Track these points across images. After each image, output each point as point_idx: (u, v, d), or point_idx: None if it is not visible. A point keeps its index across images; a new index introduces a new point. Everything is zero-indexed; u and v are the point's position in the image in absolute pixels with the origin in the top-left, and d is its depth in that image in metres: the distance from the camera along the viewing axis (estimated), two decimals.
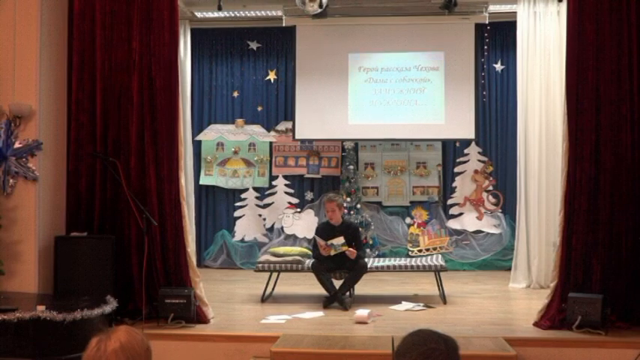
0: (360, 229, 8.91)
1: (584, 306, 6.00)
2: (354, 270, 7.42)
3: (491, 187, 10.27)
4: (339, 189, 10.17)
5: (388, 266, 7.82)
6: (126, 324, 6.17)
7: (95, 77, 6.70)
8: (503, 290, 8.39)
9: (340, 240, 7.37)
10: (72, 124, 6.74)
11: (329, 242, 7.37)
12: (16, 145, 6.41)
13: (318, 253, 7.52)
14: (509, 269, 8.88)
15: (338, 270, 7.52)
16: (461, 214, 10.28)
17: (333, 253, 7.39)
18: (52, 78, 6.69)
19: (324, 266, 7.44)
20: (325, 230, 7.65)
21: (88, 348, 2.41)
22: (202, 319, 6.43)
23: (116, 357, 2.37)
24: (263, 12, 9.79)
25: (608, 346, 5.76)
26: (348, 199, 9.92)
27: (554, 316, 6.21)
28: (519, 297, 8.02)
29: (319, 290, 7.53)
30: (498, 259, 9.95)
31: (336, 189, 10.21)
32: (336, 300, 7.26)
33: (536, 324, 6.29)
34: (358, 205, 10.11)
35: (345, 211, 8.83)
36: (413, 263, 7.89)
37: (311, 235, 8.35)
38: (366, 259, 7.70)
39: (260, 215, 10.45)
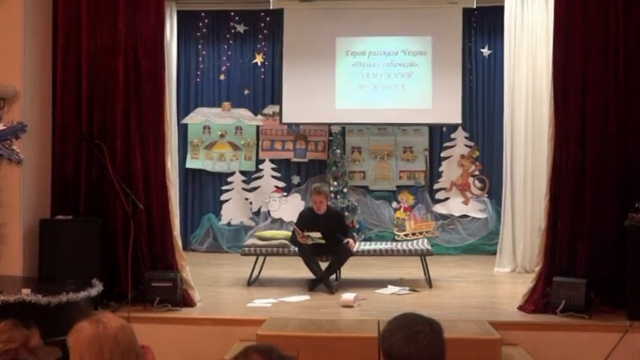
0: (347, 213, 8.95)
1: (569, 290, 6.05)
2: (339, 253, 7.44)
3: (477, 172, 10.29)
4: (325, 173, 10.16)
5: (374, 250, 7.84)
6: (112, 307, 6.19)
7: (81, 59, 6.64)
8: (489, 274, 8.44)
9: (317, 234, 7.41)
10: (57, 106, 6.69)
11: (306, 233, 7.40)
12: (0, 127, 6.35)
13: (295, 240, 7.56)
14: (495, 253, 8.92)
15: (325, 253, 7.53)
16: (447, 198, 10.30)
17: (310, 242, 7.43)
18: (37, 59, 6.62)
19: (310, 249, 7.45)
20: (308, 219, 7.66)
21: (85, 329, 2.39)
22: (188, 302, 6.43)
23: (123, 334, 2.39)
24: None
25: (591, 330, 5.82)
26: (335, 183, 9.91)
27: (539, 300, 6.26)
28: (504, 281, 8.07)
29: (305, 274, 7.55)
30: (484, 244, 9.99)
31: (322, 173, 10.21)
32: (322, 283, 7.28)
33: (520, 308, 6.34)
34: (345, 190, 10.11)
35: (332, 195, 8.83)
36: (399, 247, 7.91)
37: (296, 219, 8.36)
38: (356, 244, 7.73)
39: (246, 199, 10.44)
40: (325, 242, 7.41)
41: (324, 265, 7.49)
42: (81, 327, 2.42)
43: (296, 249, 7.61)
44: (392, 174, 10.42)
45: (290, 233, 8.12)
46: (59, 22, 6.66)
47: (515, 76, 8.58)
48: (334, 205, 9.37)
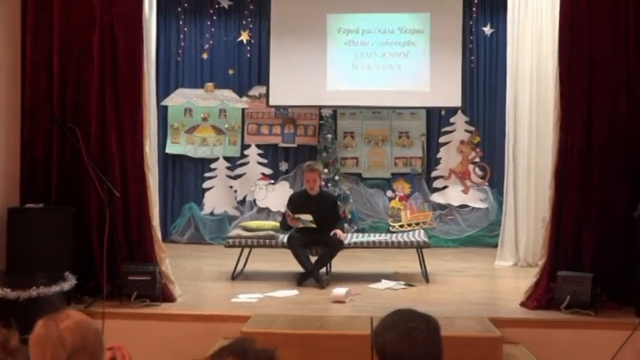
0: (338, 202, 8.93)
1: (574, 285, 6.08)
2: (330, 245, 7.45)
3: (477, 159, 10.31)
4: (315, 159, 10.16)
5: (368, 242, 7.85)
6: (86, 302, 6.18)
7: (52, 35, 6.60)
8: (489, 268, 8.47)
9: (309, 217, 7.44)
10: (26, 86, 6.65)
11: (297, 216, 7.43)
12: None
13: (285, 224, 7.60)
14: (496, 246, 8.95)
15: (315, 245, 7.55)
16: (445, 187, 10.32)
17: (300, 225, 7.46)
18: (4, 36, 6.57)
19: (300, 240, 7.47)
20: (300, 200, 7.67)
21: (36, 328, 2.40)
22: (168, 297, 6.43)
23: (71, 334, 2.37)
24: None
25: (597, 327, 5.85)
26: (326, 171, 9.91)
27: (542, 295, 6.28)
28: (506, 275, 8.11)
29: (293, 267, 7.56)
30: (484, 236, 10.03)
31: (312, 159, 10.20)
32: (311, 277, 7.29)
33: (523, 304, 6.37)
34: (336, 177, 10.12)
35: (323, 183, 8.83)
36: (394, 239, 7.93)
37: (285, 208, 8.36)
38: (345, 234, 7.75)
39: (231, 187, 10.43)
40: (316, 227, 7.43)
41: (313, 259, 7.50)
42: (36, 326, 2.43)
43: (284, 240, 7.62)
44: (387, 161, 10.42)
45: (278, 224, 8.13)
46: (28, 1, 6.62)
47: (519, 57, 8.58)
48: None
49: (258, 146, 10.47)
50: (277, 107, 10.29)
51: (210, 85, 10.50)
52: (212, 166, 10.46)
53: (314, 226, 7.46)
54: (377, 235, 8.44)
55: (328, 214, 7.60)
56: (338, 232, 7.53)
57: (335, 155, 10.21)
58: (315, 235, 7.52)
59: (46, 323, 2.41)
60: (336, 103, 10.06)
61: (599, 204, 6.25)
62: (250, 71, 10.51)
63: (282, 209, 9.26)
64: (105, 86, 6.52)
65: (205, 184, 10.45)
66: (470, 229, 10.11)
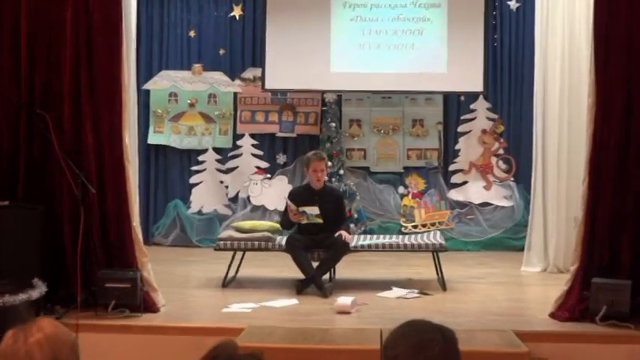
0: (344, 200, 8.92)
1: (610, 294, 6.07)
2: (334, 248, 7.45)
3: (501, 151, 10.31)
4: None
5: (376, 245, 7.85)
6: (57, 313, 6.19)
7: (19, 10, 6.58)
8: (515, 275, 8.47)
9: (315, 210, 7.42)
10: None
11: (301, 209, 7.42)
12: None
13: (287, 220, 7.60)
14: (522, 249, 8.95)
15: (317, 248, 7.54)
16: (465, 182, 10.33)
17: (304, 221, 7.45)
18: None
19: (301, 243, 7.47)
20: (303, 195, 7.67)
21: (3, 340, 2.40)
22: (150, 307, 6.44)
23: (40, 349, 2.37)
24: None
25: (637, 342, 5.85)
26: (330, 164, 9.89)
27: (575, 305, 6.28)
28: (533, 283, 8.11)
29: (293, 273, 7.56)
30: (509, 238, 10.03)
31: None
32: (313, 284, 7.29)
33: (552, 315, 6.37)
34: (341, 171, 10.12)
35: (326, 177, 8.84)
36: (406, 242, 7.94)
37: (283, 206, 8.35)
38: (351, 236, 7.76)
39: (222, 182, 10.43)
40: (323, 223, 7.44)
41: (315, 264, 7.50)
42: (3, 339, 2.43)
43: (282, 242, 7.62)
44: (398, 153, 10.43)
45: (274, 224, 8.13)
46: None
47: (549, 34, 8.57)
48: None
49: (253, 136, 10.47)
50: (274, 92, 10.29)
51: (198, 66, 10.50)
52: (200, 158, 10.47)
53: (320, 221, 7.45)
54: (387, 236, 8.43)
55: (333, 212, 7.59)
56: (343, 233, 7.54)
57: (339, 146, 10.21)
58: (317, 237, 7.52)
59: (15, 336, 2.41)
60: (340, 88, 10.06)
61: (639, 201, 6.25)
62: (244, 51, 10.50)
63: (280, 207, 9.26)
64: (79, 68, 6.52)
65: (192, 179, 10.46)
66: (492, 231, 10.12)
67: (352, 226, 9.31)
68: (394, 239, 8.11)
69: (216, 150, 10.48)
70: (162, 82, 10.50)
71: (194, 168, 10.48)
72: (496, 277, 8.33)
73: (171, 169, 10.53)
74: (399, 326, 2.43)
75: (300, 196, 7.71)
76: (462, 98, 10.34)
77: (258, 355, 2.27)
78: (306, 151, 9.95)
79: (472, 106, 10.34)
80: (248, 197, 10.35)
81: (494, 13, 10.13)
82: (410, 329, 2.40)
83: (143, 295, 6.40)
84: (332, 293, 7.19)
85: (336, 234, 7.51)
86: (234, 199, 10.42)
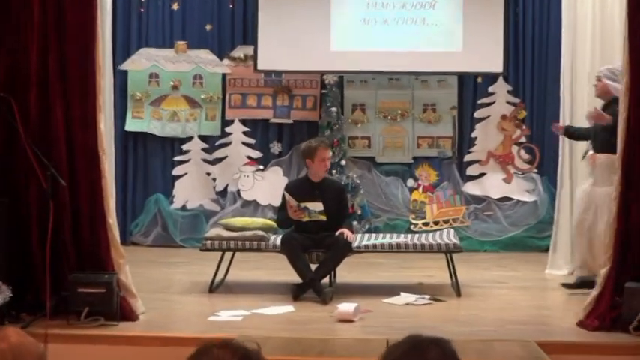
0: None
1: None
2: (335, 248, 7.45)
3: (523, 139, 10.32)
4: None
5: (382, 245, 7.86)
6: (23, 322, 6.19)
7: None
8: (538, 278, 8.48)
9: (318, 206, 7.42)
10: None
11: (303, 205, 7.40)
12: None
13: (284, 217, 7.56)
14: (547, 250, 8.96)
15: (315, 249, 7.54)
16: (482, 175, 10.34)
17: (305, 219, 7.43)
18: None
19: (298, 242, 7.46)
20: (301, 189, 7.64)
21: None
22: (128, 315, 6.44)
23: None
24: None
25: None
26: (330, 154, 9.87)
27: (605, 313, 6.29)
28: (559, 287, 8.10)
29: (289, 277, 7.57)
30: (532, 237, 10.05)
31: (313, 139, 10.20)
32: (311, 289, 7.30)
33: (580, 324, 6.37)
34: (343, 162, 10.13)
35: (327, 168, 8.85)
36: (416, 241, 7.94)
37: (277, 201, 8.35)
38: (354, 235, 7.76)
39: (208, 174, 10.44)
40: (323, 226, 7.45)
41: (313, 267, 7.50)
42: None
43: (276, 242, 7.62)
44: (407, 141, 10.43)
45: (268, 221, 8.12)
46: None
47: (578, 8, 8.56)
48: None
49: (244, 122, 10.47)
50: (268, 72, 10.30)
51: (181, 44, 10.50)
52: (184, 147, 10.47)
53: (324, 218, 7.43)
54: (394, 235, 8.44)
55: (334, 208, 7.58)
56: (345, 231, 7.53)
57: (341, 134, 10.21)
58: (316, 236, 7.51)
59: (19, 333, 2.43)
60: (342, 68, 10.07)
61: None
62: (233, 27, 10.50)
63: (274, 202, 9.26)
64: (48, 46, 6.50)
65: (176, 171, 10.46)
66: (513, 229, 10.13)
67: (355, 223, 9.30)
68: (402, 238, 8.11)
69: (203, 138, 10.48)
70: (142, 61, 10.49)
71: (177, 158, 10.49)
72: (517, 281, 8.33)
73: (151, 160, 10.54)
74: (392, 344, 2.49)
75: (298, 189, 7.68)
76: (479, 80, 10.34)
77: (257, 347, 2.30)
78: (304, 140, 9.95)
79: (490, 89, 10.34)
80: (238, 191, 10.35)
81: None
82: (404, 342, 2.46)
83: (120, 301, 6.40)
84: (332, 299, 7.20)
85: (338, 232, 7.51)
86: (223, 194, 10.43)
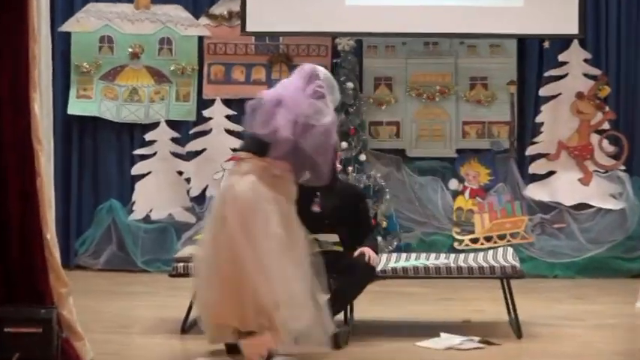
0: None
1: None
2: (352, 274, 7.44)
3: (607, 125, 10.32)
4: None
5: (416, 268, 7.85)
6: None
7: None
8: (627, 314, 8.48)
9: (332, 237, 7.35)
10: None
11: (313, 237, 7.30)
12: None
13: None
14: (639, 276, 8.96)
15: (326, 274, 7.51)
16: (551, 173, 10.36)
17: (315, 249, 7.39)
18: None
19: None
20: (301, 197, 7.59)
21: None
22: None
23: None
24: None
25: None
26: (344, 145, 9.91)
27: None
28: None
29: None
30: (618, 258, 10.06)
31: None
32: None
33: None
34: (362, 156, 10.13)
35: (339, 166, 8.86)
36: (461, 263, 7.93)
37: None
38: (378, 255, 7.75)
39: (180, 173, 10.47)
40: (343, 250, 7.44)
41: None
42: None
43: None
44: (449, 128, 10.46)
45: None
46: None
47: None
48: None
49: (227, 103, 10.50)
50: (260, 35, 10.33)
51: None
52: (148, 136, 10.52)
53: (340, 249, 7.41)
54: (432, 256, 8.43)
55: (351, 219, 7.54)
56: (366, 250, 7.47)
57: (359, 119, 10.23)
58: (327, 256, 7.47)
59: None
60: (360, 29, 10.09)
61: None
62: None
63: None
64: None
65: (136, 169, 10.49)
66: (593, 247, 10.14)
67: (379, 239, 9.29)
68: (442, 260, 8.09)
69: (172, 124, 10.51)
70: (90, 20, 10.52)
71: (138, 152, 10.53)
72: (599, 317, 8.34)
73: (103, 154, 10.57)
74: None
75: (301, 198, 7.54)
76: (547, 45, 10.35)
77: None
78: None
79: (562, 58, 10.36)
80: None
81: None
82: None
83: (61, 344, 6.42)
84: (348, 342, 7.22)
85: (357, 252, 7.46)
86: (200, 199, 10.45)
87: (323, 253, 7.36)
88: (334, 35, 10.25)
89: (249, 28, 10.08)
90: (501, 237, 10.11)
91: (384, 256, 8.12)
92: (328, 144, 6.64)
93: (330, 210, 7.45)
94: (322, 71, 6.90)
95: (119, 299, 8.87)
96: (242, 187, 6.41)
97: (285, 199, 6.58)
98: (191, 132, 10.51)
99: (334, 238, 7.36)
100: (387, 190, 10.17)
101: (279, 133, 6.38)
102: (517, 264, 7.82)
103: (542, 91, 10.40)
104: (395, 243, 9.99)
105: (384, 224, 10.04)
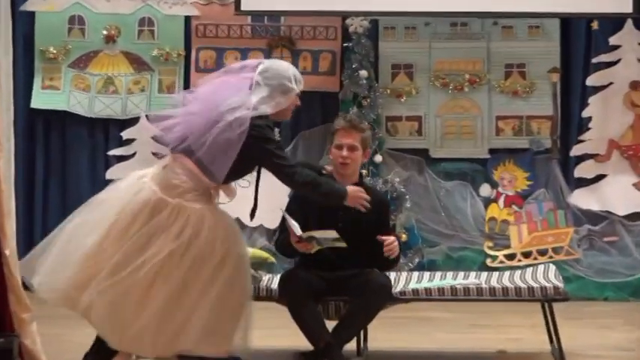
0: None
1: None
2: (365, 294, 7.42)
3: None
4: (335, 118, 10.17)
5: (441, 289, 7.84)
6: None
7: None
8: None
9: (331, 234, 7.31)
10: None
11: (308, 234, 7.30)
12: None
13: (285, 247, 7.46)
14: None
15: (334, 296, 7.50)
16: (601, 177, 10.35)
17: (314, 250, 7.36)
18: None
19: (306, 286, 7.40)
20: (312, 204, 7.57)
21: None
22: None
23: None
24: None
25: None
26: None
27: None
28: None
29: (293, 339, 7.58)
30: None
31: (329, 122, 10.17)
32: None
33: None
34: (378, 157, 10.12)
35: (364, 171, 8.86)
36: (495, 284, 7.91)
37: (273, 220, 8.34)
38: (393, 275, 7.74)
39: None
40: (348, 250, 7.37)
41: (331, 325, 7.48)
42: None
43: (272, 285, 7.61)
44: (480, 124, 10.45)
45: (261, 253, 8.11)
46: None
47: None
48: None
49: None
50: (257, 15, 10.33)
51: None
52: (126, 134, 10.52)
53: (343, 245, 7.35)
54: (460, 274, 8.42)
55: (371, 227, 7.48)
56: (390, 239, 7.34)
57: (375, 112, 10.23)
58: (336, 273, 7.44)
59: None
60: (375, 8, 10.09)
61: None
62: None
63: (269, 223, 9.28)
64: None
65: (111, 173, 10.49)
66: None
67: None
68: (473, 280, 8.09)
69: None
70: None
71: (114, 152, 10.54)
72: None
73: (73, 155, 10.58)
74: None
75: (309, 202, 7.53)
76: (595, 26, 10.34)
77: None
78: (315, 121, 9.97)
79: (613, 41, 10.37)
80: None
81: None
82: None
83: None
84: None
85: (381, 238, 7.30)
86: None
87: (329, 257, 7.38)
88: (345, 15, 10.23)
89: (244, 6, 10.08)
90: (542, 252, 10.11)
91: (403, 275, 8.11)
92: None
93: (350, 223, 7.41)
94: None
95: (90, 326, 8.85)
96: None
97: None
98: None
99: (333, 234, 7.31)
100: (408, 197, 10.19)
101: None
102: (560, 284, 7.80)
103: (590, 81, 10.41)
104: (416, 260, 10.00)
105: (404, 238, 10.03)
